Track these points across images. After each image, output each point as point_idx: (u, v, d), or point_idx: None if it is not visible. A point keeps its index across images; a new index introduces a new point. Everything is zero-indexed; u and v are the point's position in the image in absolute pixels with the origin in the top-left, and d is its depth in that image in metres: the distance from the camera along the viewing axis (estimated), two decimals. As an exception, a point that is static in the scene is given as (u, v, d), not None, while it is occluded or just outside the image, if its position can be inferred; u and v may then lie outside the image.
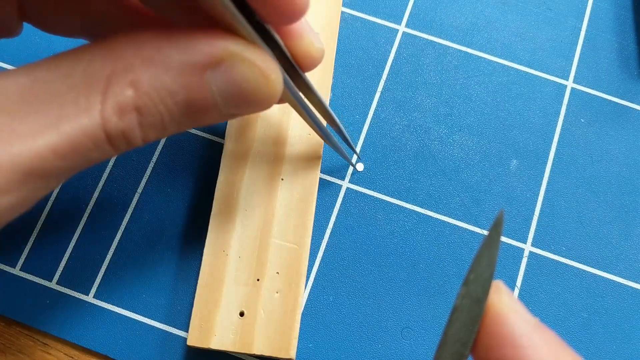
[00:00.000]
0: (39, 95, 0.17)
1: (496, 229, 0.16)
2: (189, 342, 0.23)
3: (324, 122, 0.25)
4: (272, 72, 0.18)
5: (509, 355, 0.16)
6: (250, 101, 0.19)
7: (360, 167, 0.27)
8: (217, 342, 0.23)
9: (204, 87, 0.18)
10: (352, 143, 0.26)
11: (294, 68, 0.21)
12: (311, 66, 0.21)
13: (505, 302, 0.16)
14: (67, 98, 0.17)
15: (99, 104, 0.17)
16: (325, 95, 0.27)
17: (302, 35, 0.21)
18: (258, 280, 0.24)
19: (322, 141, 0.26)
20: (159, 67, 0.18)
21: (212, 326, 0.23)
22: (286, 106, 0.27)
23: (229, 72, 0.18)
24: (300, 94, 0.22)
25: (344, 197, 0.27)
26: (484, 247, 0.16)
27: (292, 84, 0.20)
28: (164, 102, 0.18)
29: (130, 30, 0.18)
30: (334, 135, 0.25)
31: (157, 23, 0.21)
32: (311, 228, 0.25)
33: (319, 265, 0.26)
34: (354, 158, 0.27)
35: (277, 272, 0.24)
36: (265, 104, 0.19)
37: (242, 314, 0.23)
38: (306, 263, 0.24)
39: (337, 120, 0.24)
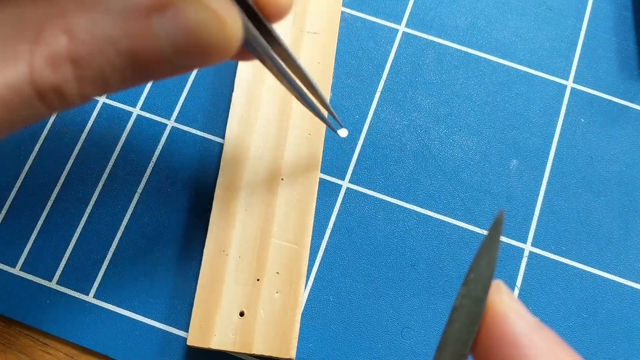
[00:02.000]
0: None
1: (496, 229, 0.16)
2: (189, 342, 0.23)
3: (300, 84, 0.23)
4: (229, 16, 0.16)
5: (509, 355, 0.15)
6: (204, 49, 0.16)
7: (343, 132, 0.27)
8: (217, 342, 0.23)
9: (150, 34, 0.16)
10: (330, 107, 0.24)
11: (259, 19, 0.18)
12: (277, 16, 0.19)
13: (506, 302, 0.16)
14: None
15: (27, 53, 0.15)
16: (325, 95, 0.27)
17: None
18: (258, 280, 0.24)
19: (322, 141, 0.26)
20: (97, 11, 0.15)
21: (212, 326, 0.23)
22: (286, 106, 0.27)
23: (179, 15, 0.15)
24: (270, 48, 0.19)
25: (344, 197, 0.27)
26: (483, 247, 0.16)
27: (256, 32, 0.18)
28: (103, 51, 0.15)
29: None
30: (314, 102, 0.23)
31: None
32: (311, 228, 0.25)
33: (319, 265, 0.26)
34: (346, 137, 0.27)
35: (277, 272, 0.24)
36: (222, 53, 0.16)
37: (242, 314, 0.23)
38: (306, 263, 0.24)
39: (313, 82, 0.22)
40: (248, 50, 0.19)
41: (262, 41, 0.18)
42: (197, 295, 0.24)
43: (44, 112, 0.16)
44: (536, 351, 0.15)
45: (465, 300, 0.17)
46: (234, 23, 0.16)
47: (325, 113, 0.25)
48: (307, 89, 0.23)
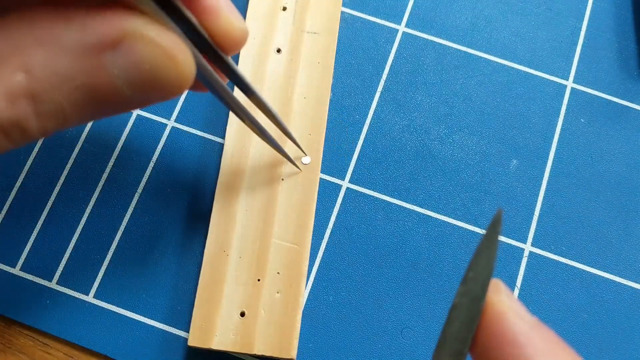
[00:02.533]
0: None
1: (494, 228, 0.16)
2: (190, 343, 0.23)
3: (263, 115, 0.23)
4: (180, 52, 0.16)
5: (507, 354, 0.15)
6: (157, 85, 0.16)
7: (306, 160, 0.26)
8: (218, 342, 0.23)
9: (104, 71, 0.16)
10: (292, 136, 0.24)
11: (215, 52, 0.19)
12: (233, 48, 0.19)
13: (504, 301, 0.16)
14: None
15: None
16: (325, 95, 0.27)
17: (219, 12, 0.18)
18: (259, 280, 0.24)
19: (322, 141, 0.26)
20: (52, 48, 0.16)
21: (213, 326, 0.23)
22: (286, 107, 0.27)
23: (130, 53, 0.16)
24: (223, 83, 0.20)
25: (344, 197, 0.27)
26: (482, 246, 0.16)
27: (208, 68, 0.18)
28: (60, 88, 0.16)
29: (28, 8, 0.16)
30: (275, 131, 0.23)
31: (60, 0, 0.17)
32: (312, 228, 0.25)
33: (319, 265, 0.26)
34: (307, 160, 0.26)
35: (278, 272, 0.24)
36: (175, 89, 0.17)
37: (242, 314, 0.23)
38: (307, 263, 0.24)
39: (274, 111, 0.22)
40: (204, 85, 0.19)
41: (216, 77, 0.18)
42: (197, 295, 0.24)
43: (7, 146, 0.16)
44: (535, 350, 0.15)
45: (464, 299, 0.16)
46: (185, 59, 0.16)
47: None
48: (269, 118, 0.23)
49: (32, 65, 0.15)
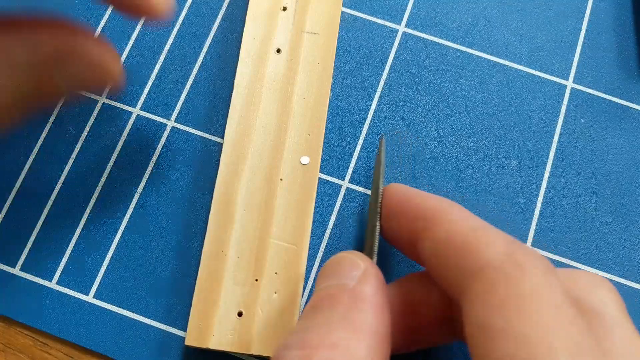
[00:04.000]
0: None
1: (379, 154, 0.25)
2: (187, 342, 0.23)
3: None
4: (111, 64, 0.20)
5: (405, 208, 0.21)
6: (93, 86, 0.21)
7: (305, 160, 0.26)
8: (216, 342, 0.23)
9: (50, 80, 0.19)
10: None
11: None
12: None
13: (393, 185, 0.23)
14: None
15: None
16: (324, 95, 0.27)
17: None
18: (257, 280, 0.24)
19: (322, 141, 0.26)
20: (4, 62, 0.18)
21: (210, 326, 0.23)
22: (286, 107, 0.27)
23: (72, 65, 0.19)
24: None
25: (344, 197, 0.27)
26: (375, 167, 0.25)
27: None
28: (6, 92, 0.18)
29: None
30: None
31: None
32: (310, 229, 0.25)
33: (319, 265, 0.26)
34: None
35: (276, 273, 0.24)
36: (107, 86, 0.21)
37: (240, 314, 0.23)
38: (304, 264, 0.24)
39: None
40: None
41: None
42: (195, 295, 0.24)
43: None
44: (423, 198, 0.21)
45: (372, 202, 0.24)
46: (115, 67, 0.20)
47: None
48: None
49: None
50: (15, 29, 0.18)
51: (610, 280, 0.26)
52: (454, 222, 0.19)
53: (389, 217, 0.22)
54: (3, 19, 0.20)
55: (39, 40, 0.18)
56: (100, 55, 0.19)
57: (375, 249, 0.22)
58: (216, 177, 0.26)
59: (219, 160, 0.26)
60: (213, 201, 0.25)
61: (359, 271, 0.20)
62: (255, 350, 0.23)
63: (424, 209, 0.20)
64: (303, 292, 0.24)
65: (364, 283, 0.19)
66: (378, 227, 0.23)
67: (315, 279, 0.23)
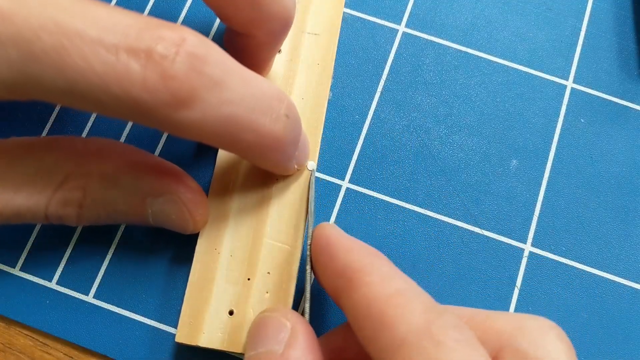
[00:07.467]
0: (12, 167, 0.21)
1: (309, 189, 0.25)
2: (177, 339, 0.23)
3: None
4: (199, 214, 0.23)
5: (329, 252, 0.21)
6: (174, 228, 0.23)
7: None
8: (206, 339, 0.23)
9: (142, 209, 0.22)
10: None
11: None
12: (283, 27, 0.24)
13: (324, 226, 0.22)
14: (30, 178, 0.21)
15: (50, 193, 0.21)
16: (323, 96, 0.27)
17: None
18: (249, 279, 0.24)
19: (319, 143, 0.26)
20: (110, 183, 0.22)
21: (201, 323, 0.23)
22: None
23: (164, 204, 0.22)
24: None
25: (344, 197, 0.27)
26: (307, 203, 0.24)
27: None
28: (105, 209, 0.22)
29: None
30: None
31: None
32: (303, 229, 0.24)
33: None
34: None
35: (269, 273, 0.24)
36: (186, 232, 0.24)
37: (231, 313, 0.23)
38: (297, 264, 0.24)
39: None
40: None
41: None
42: (187, 292, 0.24)
43: (43, 223, 0.23)
44: (346, 251, 0.21)
45: (305, 241, 0.24)
46: (201, 218, 0.24)
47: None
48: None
49: (90, 189, 0.22)
50: (135, 156, 0.23)
51: (611, 280, 0.26)
52: (372, 285, 0.18)
53: (316, 265, 0.22)
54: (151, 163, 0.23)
55: (146, 175, 0.22)
56: (189, 204, 0.23)
57: (308, 294, 0.22)
58: (211, 176, 0.26)
59: (215, 159, 0.26)
60: (208, 199, 0.25)
61: (286, 333, 0.20)
62: (245, 350, 0.23)
63: (344, 266, 0.20)
64: (295, 293, 0.24)
65: (292, 347, 0.19)
66: (309, 271, 0.23)
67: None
